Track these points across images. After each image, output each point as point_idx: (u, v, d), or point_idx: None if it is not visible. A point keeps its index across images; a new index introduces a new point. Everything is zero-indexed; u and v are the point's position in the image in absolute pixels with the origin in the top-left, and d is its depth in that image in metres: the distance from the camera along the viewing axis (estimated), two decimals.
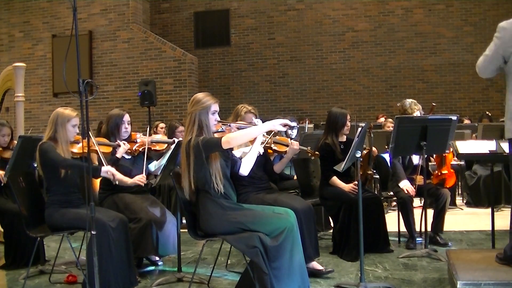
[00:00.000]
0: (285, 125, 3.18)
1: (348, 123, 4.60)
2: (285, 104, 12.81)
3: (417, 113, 4.84)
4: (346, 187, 4.46)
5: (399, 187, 4.68)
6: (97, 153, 3.84)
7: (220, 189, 3.18)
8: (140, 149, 4.21)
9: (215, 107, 3.28)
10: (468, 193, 7.08)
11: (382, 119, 9.54)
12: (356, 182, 4.41)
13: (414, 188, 4.65)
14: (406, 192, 4.60)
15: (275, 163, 4.26)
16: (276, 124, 3.17)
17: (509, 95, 3.19)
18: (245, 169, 3.40)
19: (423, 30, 12.29)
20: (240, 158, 3.45)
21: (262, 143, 3.81)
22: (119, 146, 4.06)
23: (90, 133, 3.78)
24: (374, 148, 5.00)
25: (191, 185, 3.18)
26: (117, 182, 3.75)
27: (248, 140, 3.23)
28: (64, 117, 3.67)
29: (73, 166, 3.56)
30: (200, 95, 3.30)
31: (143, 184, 4.03)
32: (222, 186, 3.19)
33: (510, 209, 3.58)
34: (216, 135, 3.29)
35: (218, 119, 3.33)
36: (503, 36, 3.13)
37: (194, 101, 3.26)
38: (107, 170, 3.61)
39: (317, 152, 4.37)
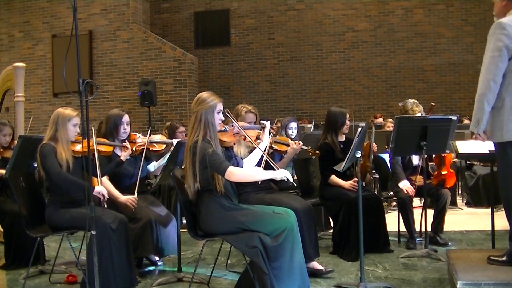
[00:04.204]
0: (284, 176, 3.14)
1: (348, 122, 4.61)
2: (285, 104, 12.81)
3: (418, 115, 4.83)
4: (346, 184, 4.47)
5: (398, 187, 4.68)
6: (94, 157, 3.83)
7: (221, 190, 3.19)
8: (139, 150, 4.21)
9: (220, 106, 3.29)
10: (468, 193, 7.08)
11: (380, 119, 9.54)
12: (355, 179, 4.42)
13: (414, 188, 4.65)
14: (405, 192, 4.60)
15: (276, 162, 4.26)
16: (279, 175, 3.13)
17: (509, 96, 3.11)
18: None
19: (423, 30, 12.29)
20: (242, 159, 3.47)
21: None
22: (125, 148, 4.06)
23: (93, 133, 3.82)
24: (374, 144, 4.95)
25: (196, 183, 3.18)
26: (105, 206, 3.69)
27: (249, 180, 3.28)
28: (65, 116, 3.68)
29: (67, 182, 3.55)
30: (205, 95, 3.30)
31: (132, 208, 3.91)
32: (223, 186, 3.20)
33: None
34: (219, 135, 3.30)
35: (222, 118, 3.35)
36: (509, 32, 3.03)
37: (200, 100, 3.26)
38: (100, 191, 3.59)
39: (317, 152, 4.37)
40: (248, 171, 3.23)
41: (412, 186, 4.65)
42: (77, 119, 3.71)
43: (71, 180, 3.55)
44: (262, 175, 3.21)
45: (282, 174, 3.13)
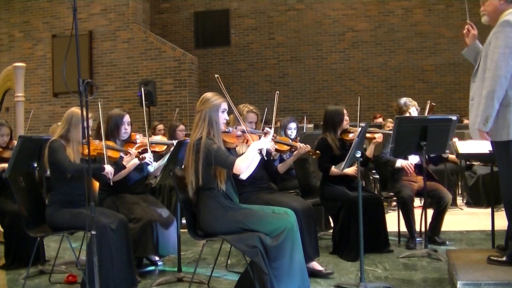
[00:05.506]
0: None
1: (347, 118, 4.60)
2: (285, 104, 12.79)
3: (412, 109, 4.84)
4: (349, 170, 4.41)
5: (398, 187, 4.68)
6: (103, 156, 3.85)
7: (223, 188, 3.20)
8: (140, 151, 4.20)
9: (225, 105, 3.33)
10: (468, 193, 7.07)
11: (380, 119, 9.54)
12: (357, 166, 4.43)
13: (415, 187, 4.65)
14: (406, 167, 4.60)
15: (277, 164, 4.27)
16: (261, 146, 3.19)
17: None
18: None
19: (423, 30, 12.28)
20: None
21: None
22: (130, 154, 4.06)
23: (103, 136, 3.85)
24: (380, 135, 4.84)
25: (198, 181, 3.18)
26: (111, 183, 3.78)
27: (252, 160, 3.20)
28: (79, 117, 3.66)
29: (79, 171, 3.55)
30: (209, 94, 3.36)
31: (149, 163, 4.07)
32: (225, 185, 3.20)
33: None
34: (222, 135, 3.30)
35: (227, 118, 3.37)
36: None
37: (204, 100, 3.31)
38: (109, 171, 3.68)
39: (317, 151, 4.37)
40: (245, 156, 3.15)
41: (413, 183, 4.66)
42: (90, 121, 3.69)
43: (84, 167, 3.53)
44: (253, 150, 3.15)
45: (260, 146, 3.21)
